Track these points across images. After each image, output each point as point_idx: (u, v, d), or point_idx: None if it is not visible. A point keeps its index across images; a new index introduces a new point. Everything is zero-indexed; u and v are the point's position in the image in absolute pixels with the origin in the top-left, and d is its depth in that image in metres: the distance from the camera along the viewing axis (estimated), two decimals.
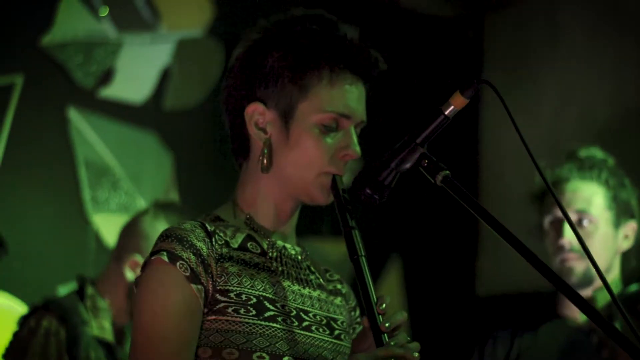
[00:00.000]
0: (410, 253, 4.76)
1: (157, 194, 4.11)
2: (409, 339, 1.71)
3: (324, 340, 1.88)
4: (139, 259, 3.14)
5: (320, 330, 1.88)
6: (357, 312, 2.05)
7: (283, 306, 1.84)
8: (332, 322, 1.92)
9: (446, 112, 1.74)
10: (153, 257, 1.77)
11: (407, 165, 1.77)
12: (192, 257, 1.77)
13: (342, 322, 1.96)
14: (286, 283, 1.87)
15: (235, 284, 1.79)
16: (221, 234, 1.84)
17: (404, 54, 4.50)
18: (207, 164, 4.21)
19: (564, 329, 3.02)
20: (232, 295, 1.78)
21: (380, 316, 1.71)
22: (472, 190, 1.71)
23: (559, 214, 2.96)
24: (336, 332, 1.92)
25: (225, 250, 1.82)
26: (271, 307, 1.81)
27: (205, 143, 4.18)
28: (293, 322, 1.83)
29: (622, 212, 3.03)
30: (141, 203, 4.09)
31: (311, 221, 2.19)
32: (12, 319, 3.18)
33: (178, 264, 1.75)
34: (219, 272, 1.79)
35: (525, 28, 4.74)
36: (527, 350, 3.05)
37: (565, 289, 1.59)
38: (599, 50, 4.43)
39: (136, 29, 4.19)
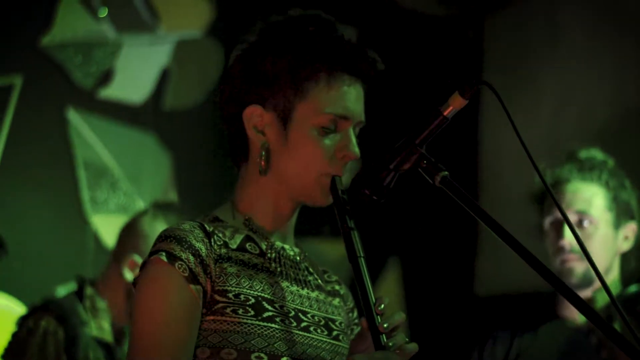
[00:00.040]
0: (409, 254, 4.76)
1: (156, 195, 4.12)
2: (407, 339, 1.71)
3: (322, 341, 1.88)
4: (138, 260, 3.14)
5: (319, 331, 1.88)
6: (355, 313, 2.05)
7: (281, 307, 1.84)
8: (330, 322, 1.92)
9: (445, 113, 1.74)
10: (152, 258, 1.77)
11: (406, 166, 1.77)
12: (191, 257, 1.76)
13: (340, 323, 1.96)
14: (285, 284, 1.87)
15: (233, 285, 1.79)
16: (220, 235, 1.84)
17: (403, 54, 4.49)
18: (206, 165, 4.21)
19: (563, 330, 3.02)
20: (230, 295, 1.78)
21: (378, 317, 1.71)
22: (471, 191, 1.71)
23: (559, 215, 2.96)
24: (334, 332, 1.92)
25: (224, 250, 1.82)
26: (270, 307, 1.81)
27: (204, 143, 4.18)
28: (291, 323, 1.83)
29: (622, 213, 3.03)
30: (140, 203, 4.10)
31: (310, 222, 2.18)
32: (10, 320, 3.18)
33: (177, 264, 1.75)
34: (217, 273, 1.79)
35: (525, 28, 4.74)
36: (526, 351, 3.05)
37: (563, 290, 1.59)
38: (599, 50, 4.42)
39: (135, 30, 4.20)
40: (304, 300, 1.90)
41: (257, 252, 1.87)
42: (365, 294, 1.74)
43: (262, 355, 1.76)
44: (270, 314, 1.81)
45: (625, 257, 3.06)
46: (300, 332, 1.84)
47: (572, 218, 2.98)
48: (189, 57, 4.33)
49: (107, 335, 3.14)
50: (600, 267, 2.95)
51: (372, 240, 2.32)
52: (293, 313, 1.85)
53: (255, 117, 1.88)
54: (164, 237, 1.79)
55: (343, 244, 1.80)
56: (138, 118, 4.18)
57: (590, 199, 3.01)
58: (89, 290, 3.17)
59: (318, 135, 1.85)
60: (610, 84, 4.34)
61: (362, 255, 1.78)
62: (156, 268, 1.76)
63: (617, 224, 3.03)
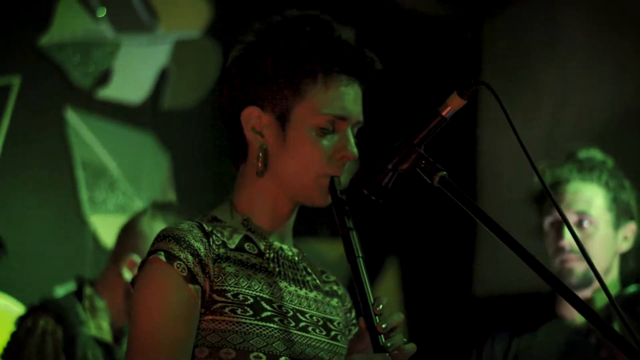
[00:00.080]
0: (408, 254, 4.76)
1: (154, 195, 4.11)
2: (405, 340, 1.71)
3: (320, 341, 1.88)
4: (137, 259, 3.14)
5: (317, 331, 1.88)
6: (353, 314, 2.05)
7: (280, 307, 1.84)
8: (328, 323, 1.93)
9: (443, 113, 1.74)
10: (150, 257, 1.78)
11: (405, 166, 1.77)
12: (190, 257, 1.76)
13: (338, 323, 1.96)
14: (283, 284, 1.87)
15: (232, 284, 1.79)
16: (218, 235, 1.84)
17: (402, 54, 4.49)
18: (204, 164, 4.21)
19: (562, 330, 3.02)
20: (229, 295, 1.78)
21: (377, 317, 1.71)
22: (470, 191, 1.71)
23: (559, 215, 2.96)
24: (332, 333, 1.92)
25: (222, 250, 1.82)
26: (268, 307, 1.81)
27: (203, 143, 4.19)
28: (290, 323, 1.83)
29: (622, 213, 3.03)
30: (138, 204, 4.09)
31: (309, 222, 2.18)
32: (9, 320, 3.18)
33: (175, 264, 1.75)
34: (216, 272, 1.79)
35: (524, 28, 4.74)
36: (525, 351, 3.05)
37: (561, 290, 1.59)
38: (599, 50, 4.42)
39: (134, 30, 4.20)
40: (303, 300, 1.90)
41: (256, 252, 1.88)
42: (364, 294, 1.74)
43: (261, 354, 1.76)
44: (268, 313, 1.81)
45: (624, 258, 3.07)
46: (299, 332, 1.84)
47: (572, 218, 2.98)
48: (188, 57, 4.33)
49: (106, 335, 3.14)
50: (600, 268, 2.95)
51: (371, 241, 2.32)
52: (291, 313, 1.85)
53: (254, 118, 1.88)
54: (162, 236, 1.79)
55: (341, 244, 1.80)
56: (136, 118, 4.18)
57: (590, 199, 3.01)
58: (88, 290, 3.18)
59: (316, 136, 1.85)
60: (610, 84, 4.34)
61: (360, 255, 1.78)
62: (155, 267, 1.76)
63: (617, 225, 3.03)
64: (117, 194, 4.11)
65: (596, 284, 2.96)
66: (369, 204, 1.81)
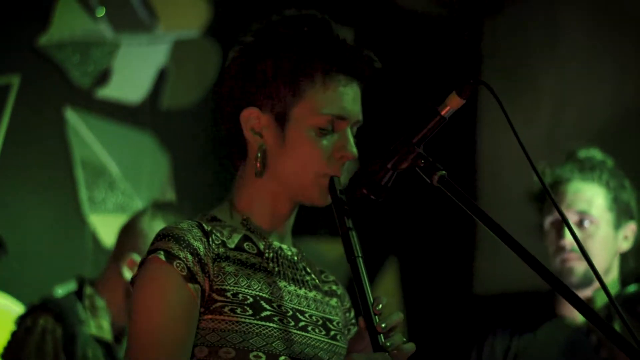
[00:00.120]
0: (408, 253, 4.76)
1: (154, 194, 4.12)
2: (404, 339, 1.71)
3: (320, 340, 1.88)
4: (137, 259, 3.14)
5: (317, 330, 1.88)
6: (352, 314, 2.05)
7: (279, 306, 1.84)
8: (327, 322, 1.93)
9: (442, 113, 1.74)
10: (150, 256, 1.78)
11: (404, 166, 1.77)
12: (189, 256, 1.77)
13: (337, 323, 1.96)
14: (282, 283, 1.88)
15: (231, 284, 1.79)
16: (218, 234, 1.84)
17: (402, 54, 4.49)
18: (203, 164, 4.21)
19: (562, 329, 3.03)
20: (228, 294, 1.78)
21: (376, 317, 1.71)
22: (469, 190, 1.71)
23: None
24: (332, 332, 1.92)
25: (221, 250, 1.82)
26: (268, 307, 1.81)
27: (202, 143, 4.18)
28: (289, 322, 1.83)
29: (622, 213, 3.04)
30: (138, 203, 4.09)
31: (308, 222, 2.18)
32: (9, 319, 3.18)
33: (175, 263, 1.75)
34: (215, 272, 1.79)
35: (524, 28, 4.74)
36: (525, 350, 3.05)
37: (562, 289, 1.59)
38: (599, 50, 4.42)
39: (133, 30, 4.19)
40: (302, 300, 1.90)
41: (255, 251, 1.88)
42: (364, 294, 1.74)
43: (260, 354, 1.76)
44: (268, 313, 1.81)
45: (624, 257, 3.07)
46: (298, 332, 1.84)
47: (573, 218, 2.99)
48: (187, 57, 4.33)
49: (107, 334, 3.15)
50: (600, 267, 2.95)
51: (370, 240, 2.31)
52: (291, 312, 1.85)
53: (253, 119, 1.88)
54: (162, 236, 1.80)
55: (341, 244, 1.80)
56: (136, 118, 4.18)
57: (591, 199, 3.01)
58: (88, 290, 3.18)
59: (315, 136, 1.85)
60: (610, 84, 4.34)
61: (360, 255, 1.78)
62: (154, 267, 1.76)
63: (618, 224, 3.03)
64: (117, 193, 4.11)
65: (596, 284, 2.96)
66: (369, 204, 1.81)
